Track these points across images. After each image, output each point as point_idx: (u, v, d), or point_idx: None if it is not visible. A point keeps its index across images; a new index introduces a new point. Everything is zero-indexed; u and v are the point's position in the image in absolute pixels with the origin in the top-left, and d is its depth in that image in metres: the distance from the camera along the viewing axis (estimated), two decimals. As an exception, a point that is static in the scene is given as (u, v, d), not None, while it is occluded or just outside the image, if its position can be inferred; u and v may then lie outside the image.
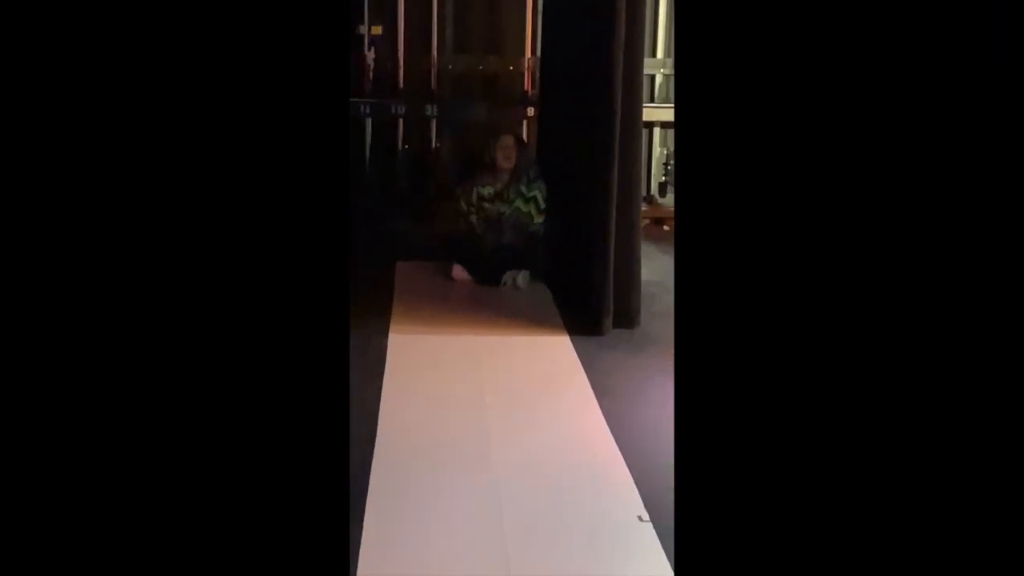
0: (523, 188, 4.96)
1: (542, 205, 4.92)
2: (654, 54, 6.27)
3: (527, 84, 6.40)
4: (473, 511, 2.61)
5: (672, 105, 5.95)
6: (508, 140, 5.06)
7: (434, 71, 6.36)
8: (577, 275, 4.25)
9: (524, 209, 4.97)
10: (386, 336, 3.96)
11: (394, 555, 2.39)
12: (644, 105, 4.14)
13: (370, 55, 6.26)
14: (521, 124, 6.30)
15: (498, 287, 4.76)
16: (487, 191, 5.02)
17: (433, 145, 6.48)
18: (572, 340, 3.97)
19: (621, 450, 2.93)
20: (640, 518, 2.56)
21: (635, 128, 4.03)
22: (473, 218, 5.05)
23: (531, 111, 6.20)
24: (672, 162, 6.32)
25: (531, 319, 4.27)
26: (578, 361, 3.73)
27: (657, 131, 6.42)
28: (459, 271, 4.90)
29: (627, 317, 4.10)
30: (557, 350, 3.89)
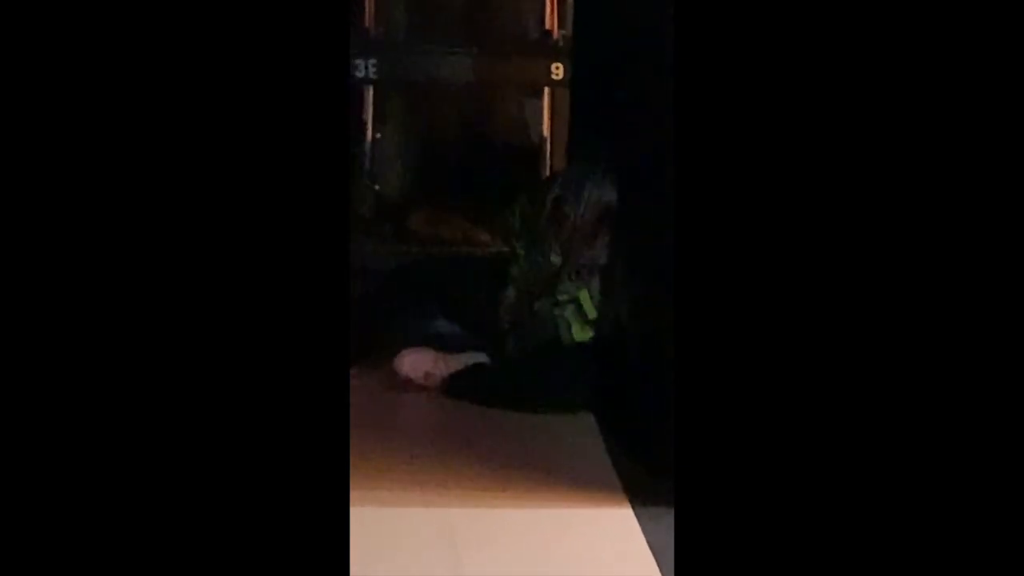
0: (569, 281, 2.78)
1: (594, 302, 2.69)
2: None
3: (550, 17, 3.62)
4: None
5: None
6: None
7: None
8: (646, 402, 2.51)
9: (570, 314, 2.72)
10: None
11: None
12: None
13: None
14: (540, 94, 3.71)
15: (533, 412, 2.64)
16: (527, 211, 2.82)
17: (369, 132, 3.74)
18: (637, 515, 2.28)
19: None
20: None
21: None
22: (519, 244, 2.79)
23: (558, 68, 3.60)
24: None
25: (563, 475, 2.47)
26: (648, 555, 2.10)
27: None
28: (414, 360, 2.61)
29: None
30: (613, 532, 2.26)
